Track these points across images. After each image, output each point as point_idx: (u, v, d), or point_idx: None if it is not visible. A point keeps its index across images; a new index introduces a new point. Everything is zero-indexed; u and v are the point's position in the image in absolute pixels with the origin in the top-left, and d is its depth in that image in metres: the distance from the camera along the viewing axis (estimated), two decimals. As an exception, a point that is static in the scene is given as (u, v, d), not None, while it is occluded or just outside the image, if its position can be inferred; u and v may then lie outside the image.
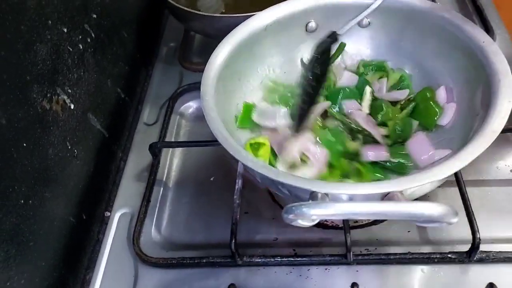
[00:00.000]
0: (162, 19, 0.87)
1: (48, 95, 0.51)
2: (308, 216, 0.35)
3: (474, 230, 0.46)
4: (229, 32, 0.55)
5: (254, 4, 0.77)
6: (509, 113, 0.41)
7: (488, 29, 0.71)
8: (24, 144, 0.46)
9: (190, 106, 0.71)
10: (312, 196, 0.40)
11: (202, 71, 0.51)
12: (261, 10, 0.58)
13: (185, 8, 0.68)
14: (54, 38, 0.52)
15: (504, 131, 0.42)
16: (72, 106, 0.56)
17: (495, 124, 0.41)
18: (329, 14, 0.58)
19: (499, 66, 0.44)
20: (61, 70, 0.54)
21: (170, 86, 0.72)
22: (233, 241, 0.49)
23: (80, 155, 0.57)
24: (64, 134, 0.54)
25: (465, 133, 0.46)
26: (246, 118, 0.55)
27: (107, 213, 0.60)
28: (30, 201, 0.47)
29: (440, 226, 0.35)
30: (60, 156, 0.53)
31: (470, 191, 0.51)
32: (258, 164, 0.42)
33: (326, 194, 0.40)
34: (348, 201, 0.40)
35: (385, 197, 0.39)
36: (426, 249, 0.50)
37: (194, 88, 0.69)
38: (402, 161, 0.50)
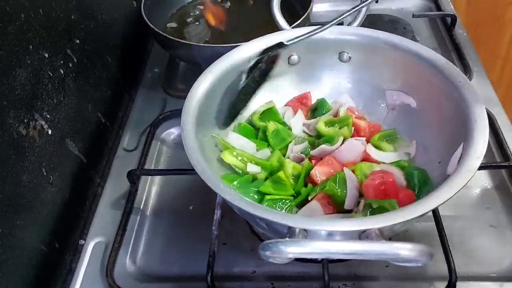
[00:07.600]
0: (147, 45, 0.87)
1: (25, 120, 0.50)
2: (285, 254, 0.35)
3: (450, 268, 0.46)
4: (214, 61, 0.56)
5: (239, 34, 0.78)
6: (484, 153, 0.42)
7: (465, 66, 0.73)
8: (-3, 171, 0.45)
9: (172, 133, 0.70)
10: (290, 231, 0.39)
11: (186, 98, 0.51)
12: (246, 40, 0.58)
13: (169, 36, 0.68)
14: (35, 63, 0.52)
15: (479, 168, 0.42)
16: (49, 132, 0.55)
17: (471, 164, 0.41)
18: (310, 48, 0.59)
19: (475, 107, 0.45)
20: (40, 95, 0.53)
21: (152, 112, 0.72)
22: (210, 274, 0.48)
23: (55, 181, 0.56)
24: (40, 160, 0.52)
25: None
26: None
27: (82, 241, 0.59)
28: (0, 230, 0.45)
29: (416, 266, 0.35)
30: (34, 183, 0.51)
31: (448, 226, 0.51)
32: (236, 197, 0.42)
33: (305, 230, 0.39)
34: (326, 239, 0.40)
35: (363, 233, 0.39)
36: (404, 285, 0.49)
37: (177, 114, 0.68)
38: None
